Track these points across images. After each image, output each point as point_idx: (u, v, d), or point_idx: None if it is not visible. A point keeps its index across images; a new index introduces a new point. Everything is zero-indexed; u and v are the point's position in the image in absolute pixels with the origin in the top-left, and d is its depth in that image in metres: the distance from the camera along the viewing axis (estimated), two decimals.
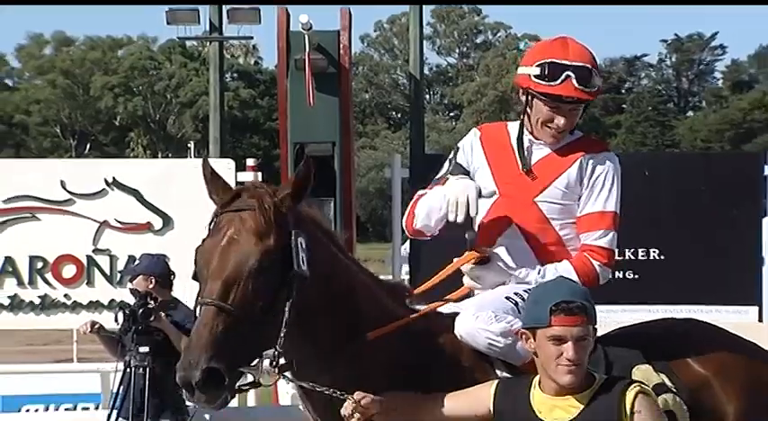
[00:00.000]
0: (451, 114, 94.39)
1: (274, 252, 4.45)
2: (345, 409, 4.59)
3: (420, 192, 5.38)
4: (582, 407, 4.41)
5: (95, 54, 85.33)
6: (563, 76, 5.14)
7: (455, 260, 5.30)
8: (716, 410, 4.98)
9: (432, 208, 5.20)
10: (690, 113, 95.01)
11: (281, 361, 4.48)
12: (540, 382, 4.51)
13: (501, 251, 5.23)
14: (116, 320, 9.84)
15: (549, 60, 5.16)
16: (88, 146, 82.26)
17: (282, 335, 4.41)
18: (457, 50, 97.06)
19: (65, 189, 16.05)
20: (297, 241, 4.52)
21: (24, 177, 16.35)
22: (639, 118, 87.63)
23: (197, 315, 4.38)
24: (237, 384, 4.42)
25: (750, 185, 16.25)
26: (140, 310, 9.59)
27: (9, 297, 15.73)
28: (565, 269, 5.16)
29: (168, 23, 23.87)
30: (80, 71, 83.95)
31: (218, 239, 4.48)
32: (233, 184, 15.76)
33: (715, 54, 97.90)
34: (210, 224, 4.61)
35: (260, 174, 15.42)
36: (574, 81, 5.15)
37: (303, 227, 4.59)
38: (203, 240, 4.56)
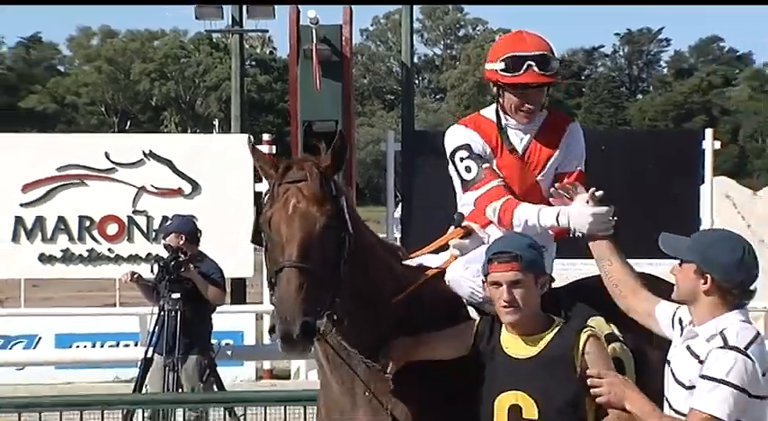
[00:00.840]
0: (437, 97, 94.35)
1: (332, 216, 4.41)
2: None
3: (510, 199, 5.09)
4: (542, 345, 4.40)
5: (135, 44, 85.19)
6: (525, 66, 5.07)
7: (444, 236, 5.22)
8: (657, 355, 4.92)
9: (530, 228, 4.98)
10: (639, 96, 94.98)
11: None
12: (504, 326, 4.51)
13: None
14: (152, 271, 9.84)
15: (511, 54, 5.10)
16: (128, 123, 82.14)
17: (340, 289, 4.38)
18: (442, 42, 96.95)
19: (108, 159, 16.06)
20: (343, 204, 4.51)
21: (74, 149, 16.36)
22: (596, 100, 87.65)
23: (278, 276, 4.28)
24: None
25: (690, 157, 16.30)
26: (172, 263, 9.59)
27: (62, 251, 15.78)
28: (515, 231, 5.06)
29: (197, 18, 23.86)
30: (122, 59, 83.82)
31: (285, 208, 4.39)
32: (251, 157, 15.52)
33: (661, 46, 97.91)
34: (268, 195, 4.52)
35: (274, 147, 15.43)
36: (535, 68, 5.07)
37: (340, 192, 4.56)
38: (266, 210, 4.45)
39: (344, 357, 4.70)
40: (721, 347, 4.06)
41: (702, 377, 4.05)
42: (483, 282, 4.56)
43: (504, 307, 4.38)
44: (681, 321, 4.37)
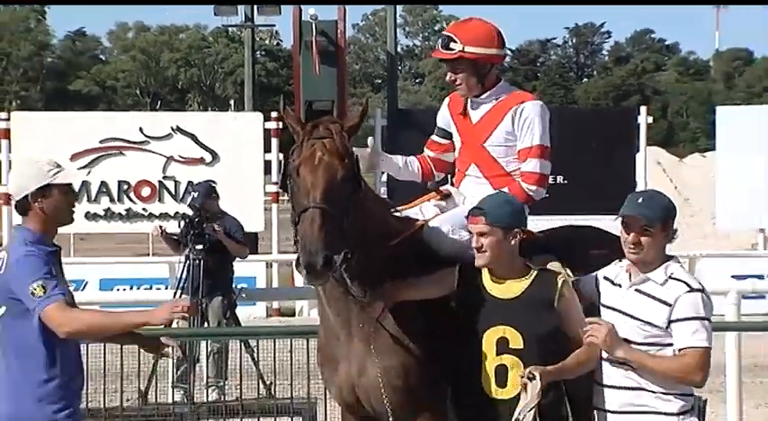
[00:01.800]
0: (417, 81, 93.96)
1: (350, 169, 4.36)
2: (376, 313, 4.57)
3: (426, 151, 5.33)
4: (524, 287, 4.37)
5: (164, 37, 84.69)
6: (436, 45, 5.08)
7: (422, 197, 5.21)
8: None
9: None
10: (585, 80, 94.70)
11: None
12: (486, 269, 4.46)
13: (467, 184, 5.13)
14: (179, 226, 9.80)
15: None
16: (159, 103, 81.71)
17: (351, 233, 4.30)
18: (420, 35, 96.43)
19: (142, 133, 16.06)
20: (357, 160, 4.47)
21: (114, 125, 16.38)
22: (549, 83, 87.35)
23: (303, 216, 4.22)
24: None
25: (627, 130, 16.35)
26: (197, 219, 9.55)
27: (104, 210, 15.82)
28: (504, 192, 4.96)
29: (215, 15, 23.91)
30: (153, 49, 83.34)
31: (311, 159, 4.33)
32: (261, 131, 15.67)
33: (603, 37, 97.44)
34: (295, 148, 4.45)
35: (280, 123, 15.37)
36: (439, 46, 5.05)
37: (354, 152, 4.50)
38: (294, 160, 4.38)
39: (341, 292, 4.61)
40: (688, 292, 4.14)
41: (683, 319, 4.11)
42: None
43: (476, 251, 4.36)
44: (606, 278, 4.40)
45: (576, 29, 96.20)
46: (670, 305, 4.13)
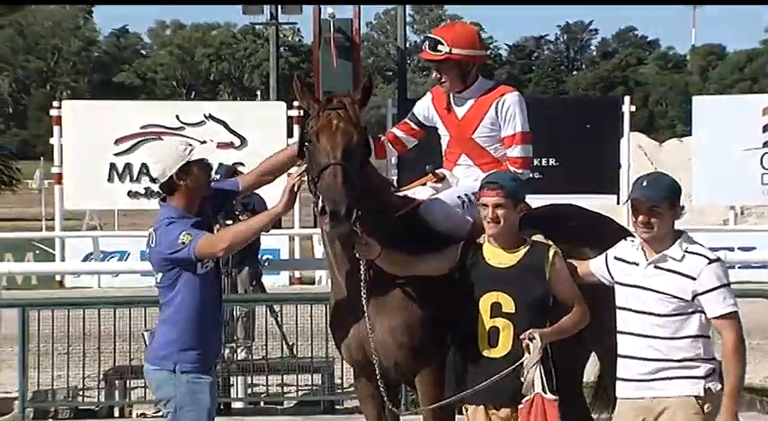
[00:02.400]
0: (424, 73, 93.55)
1: (362, 135, 4.38)
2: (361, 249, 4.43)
3: (395, 130, 5.26)
4: (519, 257, 4.34)
5: (198, 34, 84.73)
6: (422, 46, 5.00)
7: (420, 179, 5.13)
8: (584, 258, 4.78)
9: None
10: (575, 73, 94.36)
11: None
12: (487, 240, 4.42)
13: (458, 171, 5.06)
14: None
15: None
16: (193, 93, 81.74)
17: (362, 190, 4.27)
18: (428, 32, 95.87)
19: (179, 120, 16.08)
20: (367, 130, 4.48)
21: (153, 113, 16.41)
22: (543, 76, 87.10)
23: (323, 173, 4.21)
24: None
25: (612, 117, 16.32)
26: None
27: (144, 189, 15.86)
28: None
29: (243, 14, 23.86)
30: (188, 45, 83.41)
31: (329, 125, 4.34)
32: (285, 118, 15.61)
33: (591, 34, 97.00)
34: (312, 118, 4.44)
35: (302, 111, 15.35)
36: (426, 47, 4.96)
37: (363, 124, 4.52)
38: (312, 128, 4.37)
39: (350, 257, 4.53)
40: (708, 263, 4.03)
41: (711, 290, 4.01)
42: (462, 205, 4.46)
43: (488, 222, 4.32)
44: (618, 258, 4.29)
45: (567, 27, 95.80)
46: (693, 278, 4.02)
